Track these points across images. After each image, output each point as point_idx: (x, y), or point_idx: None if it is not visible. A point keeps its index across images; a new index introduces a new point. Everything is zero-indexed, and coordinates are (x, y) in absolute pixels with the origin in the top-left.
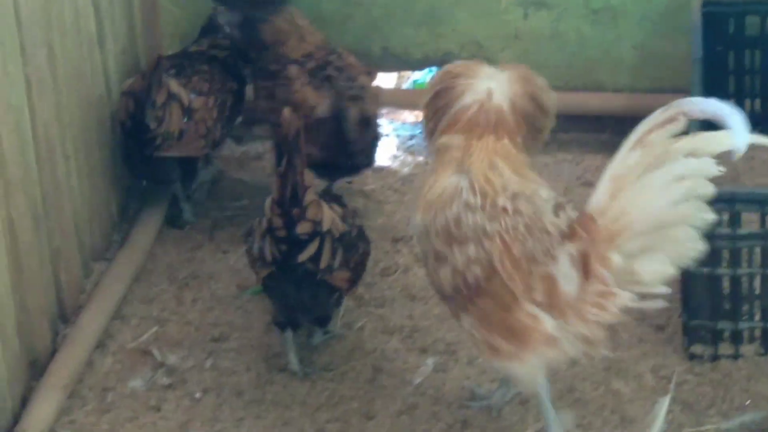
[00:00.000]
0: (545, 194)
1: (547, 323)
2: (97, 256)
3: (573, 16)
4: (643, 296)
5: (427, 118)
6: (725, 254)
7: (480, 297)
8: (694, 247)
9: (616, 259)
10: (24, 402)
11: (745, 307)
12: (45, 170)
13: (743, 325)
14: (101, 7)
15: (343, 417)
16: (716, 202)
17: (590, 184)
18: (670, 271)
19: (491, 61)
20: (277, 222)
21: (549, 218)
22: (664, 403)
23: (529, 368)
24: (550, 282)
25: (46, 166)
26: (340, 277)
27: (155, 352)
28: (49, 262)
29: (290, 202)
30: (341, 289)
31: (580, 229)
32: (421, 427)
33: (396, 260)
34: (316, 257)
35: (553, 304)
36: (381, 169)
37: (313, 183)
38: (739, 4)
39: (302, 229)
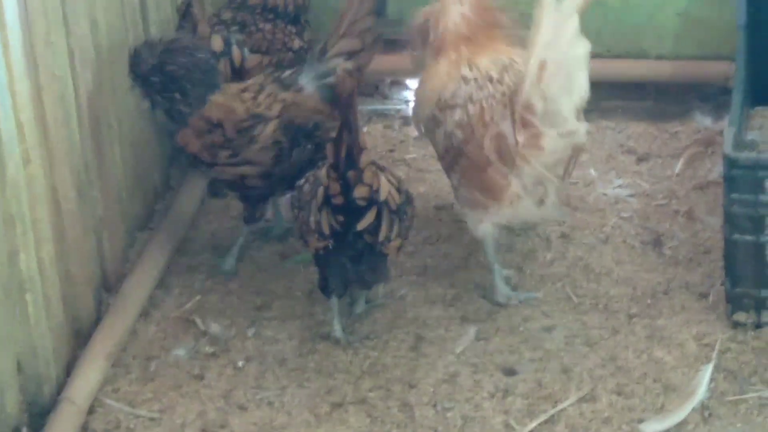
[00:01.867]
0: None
1: (514, 182)
2: (140, 225)
3: None
4: (566, 134)
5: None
6: None
7: (461, 157)
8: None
9: (538, 104)
10: (69, 370)
11: None
12: (88, 140)
13: None
14: None
15: (385, 385)
16: (760, 169)
17: (633, 152)
18: (577, 104)
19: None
20: (335, 188)
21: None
22: (707, 372)
23: (500, 218)
24: (500, 139)
25: (89, 136)
26: (394, 245)
27: (198, 320)
28: (92, 232)
29: (346, 165)
30: (390, 255)
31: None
32: (463, 396)
33: (438, 229)
34: (374, 229)
35: (503, 157)
36: (422, 137)
37: (369, 147)
38: None
39: (359, 193)
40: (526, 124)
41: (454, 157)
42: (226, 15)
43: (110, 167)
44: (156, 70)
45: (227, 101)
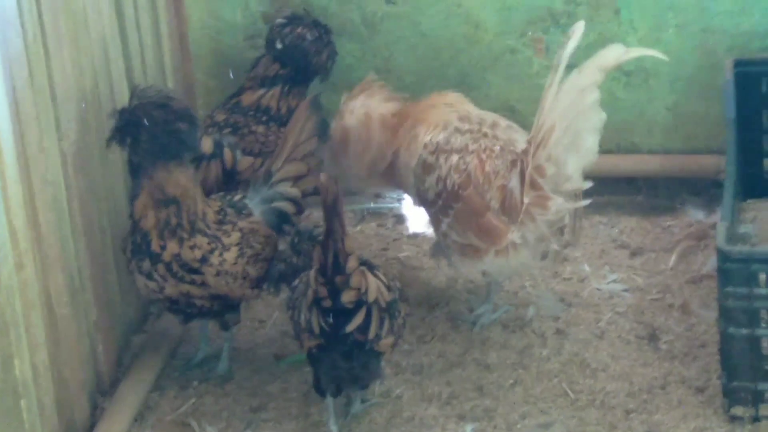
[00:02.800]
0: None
1: (513, 230)
2: (134, 328)
3: (605, 79)
4: (573, 196)
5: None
6: (764, 315)
7: (458, 201)
8: (595, 144)
9: (547, 167)
10: None
11: None
12: (81, 244)
13: None
14: (135, 80)
15: None
16: (754, 262)
17: (626, 246)
18: (585, 164)
19: (524, 124)
20: (322, 292)
21: (519, 145)
22: None
23: (497, 266)
24: (505, 192)
25: (82, 240)
26: (386, 343)
27: (193, 423)
28: (86, 336)
29: (333, 270)
30: (384, 354)
31: (524, 153)
32: None
33: (433, 327)
34: (364, 328)
35: (507, 209)
36: (416, 235)
37: (355, 250)
38: None
39: (347, 297)
40: (534, 186)
41: (448, 200)
42: (219, 116)
43: (103, 271)
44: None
45: (190, 186)
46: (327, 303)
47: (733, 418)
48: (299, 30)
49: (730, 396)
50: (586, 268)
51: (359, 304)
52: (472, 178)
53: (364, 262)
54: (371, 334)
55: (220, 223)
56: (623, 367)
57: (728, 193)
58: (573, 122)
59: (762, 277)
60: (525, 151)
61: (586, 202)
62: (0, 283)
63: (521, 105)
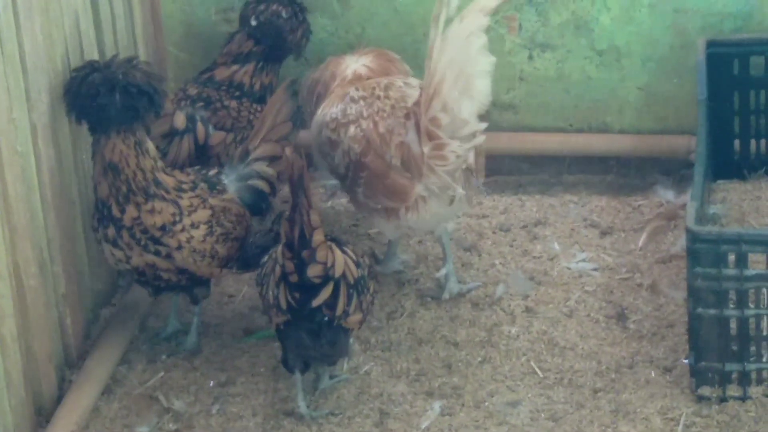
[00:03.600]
0: (414, 82)
1: (417, 185)
2: (103, 301)
3: (578, 58)
4: (469, 137)
5: (307, 101)
6: (732, 295)
7: (363, 170)
8: (487, 88)
9: (442, 117)
10: None
11: (753, 349)
12: (50, 216)
13: (751, 366)
14: (106, 51)
15: None
16: (723, 243)
17: (596, 226)
18: (479, 107)
19: (495, 102)
20: (289, 266)
21: (411, 100)
22: None
23: (412, 222)
24: (405, 148)
25: (51, 212)
26: (354, 319)
27: (161, 397)
28: (55, 308)
29: (299, 244)
30: (353, 331)
31: (418, 105)
32: None
33: (402, 303)
34: (332, 304)
35: (408, 165)
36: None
37: (321, 224)
38: (743, 44)
39: (313, 271)
40: (431, 136)
41: (355, 171)
42: (192, 90)
43: (72, 243)
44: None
45: (130, 151)
46: (294, 278)
47: (701, 398)
48: (274, 7)
49: (698, 376)
50: (556, 246)
51: (326, 279)
52: (371, 143)
53: (332, 239)
54: (339, 310)
55: (181, 191)
56: (591, 346)
57: (698, 174)
58: (463, 69)
59: (731, 257)
60: (417, 103)
61: (482, 139)
62: None
63: (493, 83)
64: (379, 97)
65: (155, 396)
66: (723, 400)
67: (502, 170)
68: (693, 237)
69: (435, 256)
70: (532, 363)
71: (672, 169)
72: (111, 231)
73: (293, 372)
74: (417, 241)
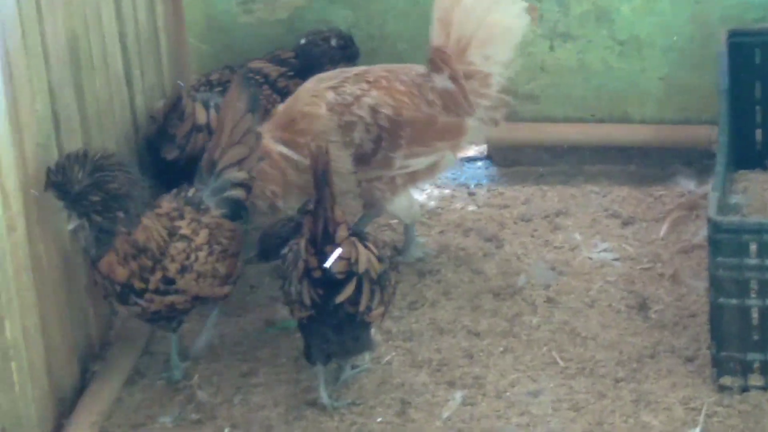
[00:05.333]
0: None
1: (467, 119)
2: None
3: (599, 48)
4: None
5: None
6: (754, 285)
7: (403, 128)
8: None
9: (475, 63)
10: None
11: None
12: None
13: None
14: (128, 45)
15: None
16: (744, 233)
17: (618, 216)
18: (511, 54)
19: (515, 93)
20: (312, 262)
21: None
22: None
23: (461, 150)
24: (443, 92)
25: None
26: (377, 314)
27: (184, 387)
28: (77, 299)
29: (323, 240)
30: (374, 324)
31: (440, 62)
32: None
33: (423, 293)
34: (355, 300)
35: (455, 104)
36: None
37: (345, 219)
38: (765, 34)
39: (336, 267)
40: (469, 75)
41: (393, 134)
42: (214, 76)
43: None
44: (95, 187)
45: (155, 223)
46: (317, 273)
47: (722, 388)
48: (327, 34)
49: (720, 366)
50: (578, 237)
51: (349, 275)
52: (400, 101)
53: (355, 233)
54: (362, 306)
55: (175, 226)
56: (613, 336)
57: (720, 164)
58: (493, 22)
59: (752, 247)
60: (440, 64)
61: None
62: None
63: (514, 73)
64: (366, 72)
65: (178, 387)
66: (745, 389)
67: (523, 161)
68: (715, 227)
69: (456, 246)
70: (554, 353)
71: (693, 159)
72: (131, 299)
73: (315, 364)
74: (438, 231)
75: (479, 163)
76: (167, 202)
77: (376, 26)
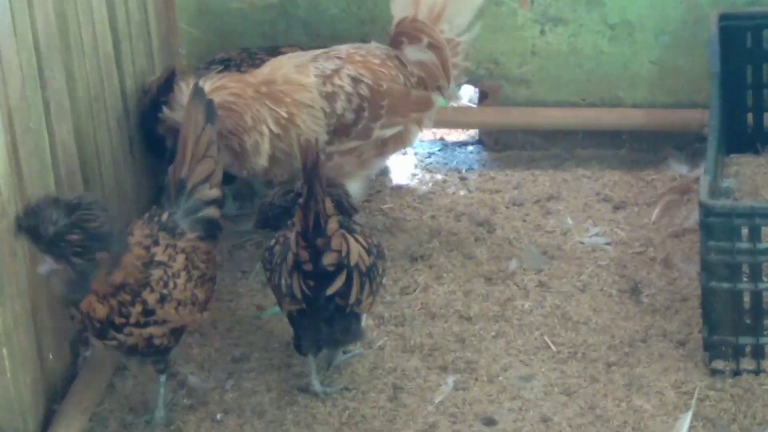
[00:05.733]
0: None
1: (433, 94)
2: None
3: (590, 32)
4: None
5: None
6: (745, 268)
7: (383, 98)
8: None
9: (445, 31)
10: (45, 425)
11: (767, 322)
12: (64, 193)
13: (765, 339)
14: (118, 29)
15: None
16: (736, 217)
17: (609, 200)
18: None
19: (507, 77)
20: (304, 255)
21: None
22: (686, 419)
23: (425, 125)
24: (422, 65)
25: (65, 189)
26: (366, 304)
27: (175, 373)
28: None
29: (314, 233)
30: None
31: (417, 32)
32: None
33: (415, 278)
34: (345, 293)
35: (432, 76)
36: (399, 187)
37: (335, 212)
38: (756, 17)
39: (328, 260)
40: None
41: (374, 103)
42: (219, 55)
43: None
44: (75, 227)
45: (132, 260)
46: (308, 266)
47: (714, 372)
48: None
49: (711, 350)
50: (569, 221)
51: (340, 267)
52: (378, 72)
53: (343, 226)
54: (352, 299)
55: (151, 253)
56: (605, 321)
57: (711, 148)
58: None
59: (744, 231)
60: (419, 28)
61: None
62: None
63: (505, 57)
64: (338, 50)
65: (171, 372)
66: (737, 373)
67: (515, 145)
68: (706, 211)
69: (448, 231)
70: (546, 337)
71: (685, 143)
72: (111, 334)
73: (306, 355)
74: (430, 216)
75: (471, 148)
76: (139, 229)
77: (366, 10)
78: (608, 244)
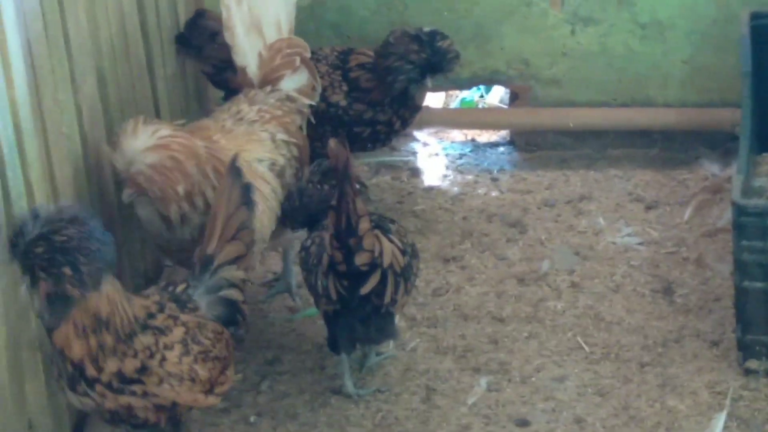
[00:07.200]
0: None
1: None
2: (150, 280)
3: (621, 32)
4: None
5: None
6: None
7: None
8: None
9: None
10: (79, 427)
11: None
12: (96, 197)
13: None
14: (149, 32)
15: None
16: None
17: (641, 200)
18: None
19: (538, 78)
20: (338, 256)
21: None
22: (720, 420)
23: None
24: None
25: (97, 193)
26: (401, 303)
27: None
28: None
29: (346, 233)
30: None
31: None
32: None
33: (448, 280)
34: (380, 292)
35: None
36: (431, 188)
37: (367, 212)
38: None
39: (360, 259)
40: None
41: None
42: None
43: (116, 225)
44: (41, 239)
45: (119, 296)
46: (342, 267)
47: (748, 372)
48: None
49: (745, 349)
50: (601, 221)
51: (373, 266)
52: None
53: (377, 226)
54: (387, 299)
55: (151, 317)
56: (638, 321)
57: (744, 147)
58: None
59: None
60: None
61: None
62: None
63: (535, 58)
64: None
65: None
66: None
67: (546, 145)
68: (739, 210)
69: (480, 232)
70: (579, 338)
71: (717, 143)
72: (81, 387)
73: (340, 354)
74: (462, 217)
75: (502, 149)
76: (151, 295)
77: (397, 13)
78: (641, 244)
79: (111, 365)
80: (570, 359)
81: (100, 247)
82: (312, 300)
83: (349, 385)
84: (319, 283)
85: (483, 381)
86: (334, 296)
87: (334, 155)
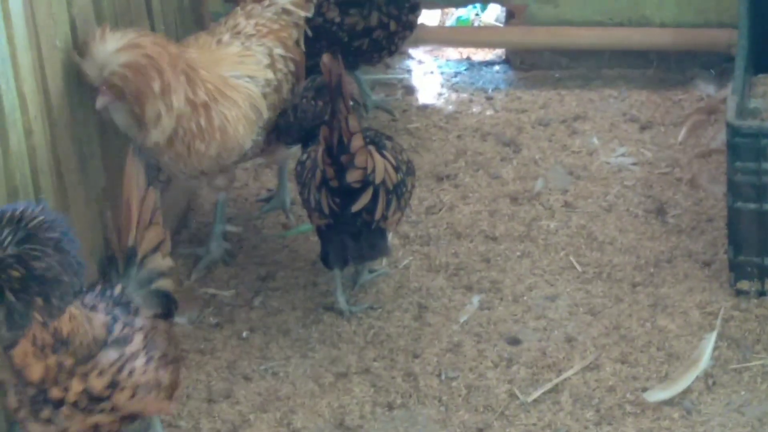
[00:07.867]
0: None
1: None
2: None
3: None
4: None
5: None
6: None
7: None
8: None
9: None
10: None
11: None
12: (90, 111)
13: None
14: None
15: (389, 355)
16: (763, 137)
17: (636, 120)
18: None
19: None
20: (330, 172)
21: None
22: (711, 340)
23: None
24: None
25: (91, 107)
26: (393, 220)
27: (202, 291)
28: (95, 202)
29: (338, 150)
30: (392, 230)
31: None
32: (467, 365)
33: (441, 198)
34: (371, 209)
35: None
36: (425, 106)
37: (359, 129)
38: None
39: (352, 177)
40: None
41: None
42: None
43: (112, 138)
44: (18, 261)
45: (82, 316)
46: (334, 183)
47: (739, 292)
48: None
49: (737, 270)
50: (596, 141)
51: (365, 183)
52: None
53: (372, 141)
54: (378, 215)
55: (110, 332)
56: (630, 241)
57: (739, 68)
58: None
59: None
60: None
61: None
62: (9, 149)
63: None
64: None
65: (196, 290)
66: (762, 294)
67: (541, 65)
68: (733, 131)
69: (474, 150)
70: (571, 257)
71: (712, 63)
72: (46, 412)
73: (332, 269)
74: (456, 136)
75: (497, 67)
76: (96, 305)
77: None
78: (634, 164)
79: (76, 385)
80: (562, 278)
81: (74, 279)
82: (306, 216)
83: (341, 302)
84: (312, 197)
85: (475, 299)
86: (326, 211)
87: (327, 71)
